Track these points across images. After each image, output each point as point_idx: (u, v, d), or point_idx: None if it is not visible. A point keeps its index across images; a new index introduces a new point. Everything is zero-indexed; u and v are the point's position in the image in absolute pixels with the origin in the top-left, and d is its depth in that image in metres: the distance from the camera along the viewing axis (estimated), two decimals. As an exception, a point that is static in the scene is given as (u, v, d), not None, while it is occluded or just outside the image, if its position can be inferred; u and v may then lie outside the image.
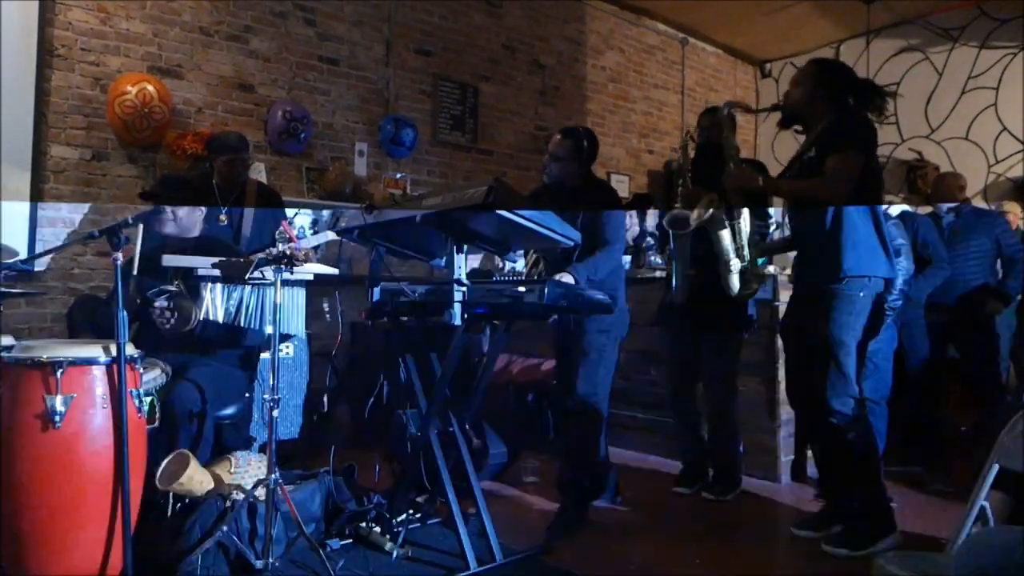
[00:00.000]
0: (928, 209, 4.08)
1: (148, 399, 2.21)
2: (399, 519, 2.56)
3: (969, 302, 3.77)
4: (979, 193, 5.95)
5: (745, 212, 2.84)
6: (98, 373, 1.97)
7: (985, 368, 3.89)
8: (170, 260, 2.63)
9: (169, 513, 2.32)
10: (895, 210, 3.60)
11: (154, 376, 2.45)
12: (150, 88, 3.88)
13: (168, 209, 2.70)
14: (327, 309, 3.27)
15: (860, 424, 2.60)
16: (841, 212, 2.53)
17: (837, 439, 2.59)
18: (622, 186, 6.35)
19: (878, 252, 2.56)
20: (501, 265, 4.00)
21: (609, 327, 2.86)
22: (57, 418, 1.90)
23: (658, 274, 4.00)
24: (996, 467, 1.74)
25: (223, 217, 3.17)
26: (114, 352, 1.95)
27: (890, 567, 1.70)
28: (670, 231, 3.06)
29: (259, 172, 4.19)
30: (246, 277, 2.29)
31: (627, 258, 4.47)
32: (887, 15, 6.36)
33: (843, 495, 2.67)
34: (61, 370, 1.91)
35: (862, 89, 2.65)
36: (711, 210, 2.83)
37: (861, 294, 2.53)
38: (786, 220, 2.98)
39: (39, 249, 3.61)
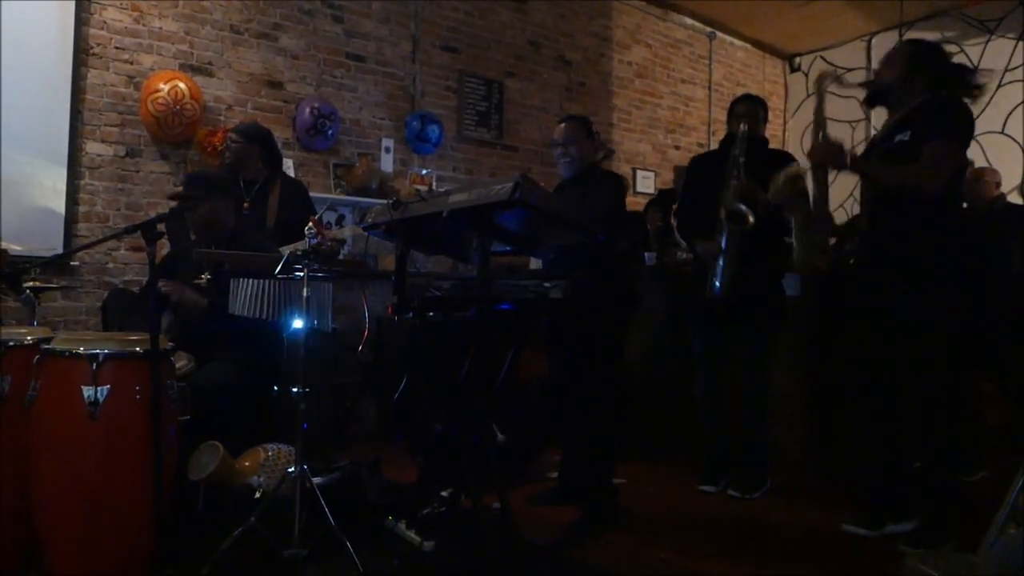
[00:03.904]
0: (963, 205, 4.00)
1: (181, 391, 2.25)
2: (424, 512, 2.58)
3: (1004, 299, 3.69)
4: (1015, 189, 5.79)
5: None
6: (134, 365, 2.01)
7: (1020, 366, 3.80)
8: (201, 254, 2.69)
9: (200, 503, 2.37)
10: None
11: (182, 367, 2.51)
12: (182, 86, 3.95)
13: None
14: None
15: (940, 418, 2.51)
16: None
17: (921, 436, 2.51)
18: (648, 182, 6.32)
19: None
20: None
21: (623, 318, 2.89)
22: (95, 409, 1.94)
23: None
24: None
25: (246, 205, 3.24)
26: (148, 345, 1.99)
27: (921, 567, 1.68)
28: (725, 225, 2.99)
29: (287, 168, 4.24)
30: (275, 272, 2.32)
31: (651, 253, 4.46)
32: (921, 7, 6.22)
33: (913, 493, 2.59)
34: (98, 362, 1.96)
35: (956, 74, 2.58)
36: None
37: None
38: None
39: (74, 244, 3.70)
